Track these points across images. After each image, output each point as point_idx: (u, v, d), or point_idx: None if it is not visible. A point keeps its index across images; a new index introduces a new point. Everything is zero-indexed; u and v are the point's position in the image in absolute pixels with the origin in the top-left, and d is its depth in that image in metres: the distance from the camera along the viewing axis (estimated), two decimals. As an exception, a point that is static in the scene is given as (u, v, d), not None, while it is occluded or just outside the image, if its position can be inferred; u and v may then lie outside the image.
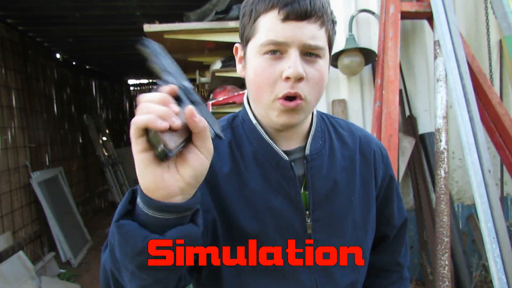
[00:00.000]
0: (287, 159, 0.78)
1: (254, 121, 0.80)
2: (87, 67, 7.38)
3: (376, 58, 2.30)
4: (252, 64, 0.73)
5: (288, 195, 0.77)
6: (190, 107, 0.51)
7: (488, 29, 2.43)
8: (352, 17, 2.35)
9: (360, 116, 2.46)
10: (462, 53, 2.04)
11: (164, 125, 0.49)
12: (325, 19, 0.70)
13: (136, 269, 0.56)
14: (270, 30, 0.69)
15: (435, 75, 2.12)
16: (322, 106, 2.43)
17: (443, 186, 2.02)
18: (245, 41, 0.76)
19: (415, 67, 2.52)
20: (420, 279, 2.53)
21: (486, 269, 2.39)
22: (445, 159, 2.02)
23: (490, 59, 2.46)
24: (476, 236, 2.46)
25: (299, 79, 0.68)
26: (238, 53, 0.81)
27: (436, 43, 2.13)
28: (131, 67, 7.90)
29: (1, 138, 3.99)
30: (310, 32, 0.68)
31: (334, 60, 2.34)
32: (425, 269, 2.42)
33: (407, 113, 2.50)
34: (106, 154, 7.09)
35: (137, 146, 0.53)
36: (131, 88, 10.02)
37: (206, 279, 0.79)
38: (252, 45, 0.73)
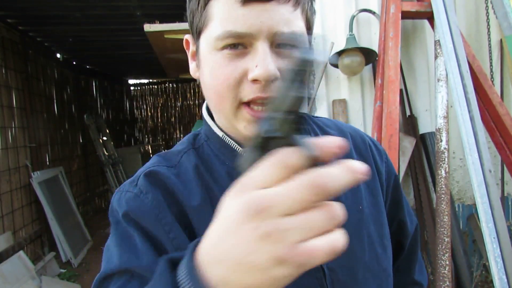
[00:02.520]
0: None
1: (221, 134, 0.63)
2: (88, 66, 7.38)
3: (377, 58, 2.30)
4: (207, 63, 0.57)
5: None
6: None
7: (488, 29, 2.43)
8: (353, 17, 2.35)
9: (360, 116, 2.46)
10: (462, 53, 2.03)
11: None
12: None
13: None
14: (226, 18, 0.53)
15: (436, 74, 2.12)
16: (323, 106, 2.43)
17: (443, 186, 2.01)
18: (195, 33, 0.60)
19: (415, 67, 2.51)
20: (420, 279, 2.53)
21: (486, 269, 2.39)
22: (446, 159, 2.02)
23: (490, 58, 2.45)
24: (476, 236, 2.46)
25: (272, 80, 0.52)
26: (190, 47, 0.66)
27: (437, 43, 2.12)
28: (131, 67, 7.90)
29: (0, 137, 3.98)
30: (281, 16, 0.52)
31: (335, 60, 2.34)
32: (425, 269, 2.42)
33: (408, 113, 2.50)
34: (107, 154, 7.09)
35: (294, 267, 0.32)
36: (132, 88, 10.03)
37: None
38: (206, 38, 0.57)
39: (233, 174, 0.60)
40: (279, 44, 0.54)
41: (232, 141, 0.62)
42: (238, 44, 0.54)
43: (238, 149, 0.61)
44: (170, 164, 0.63)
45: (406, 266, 0.83)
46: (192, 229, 0.58)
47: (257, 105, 0.55)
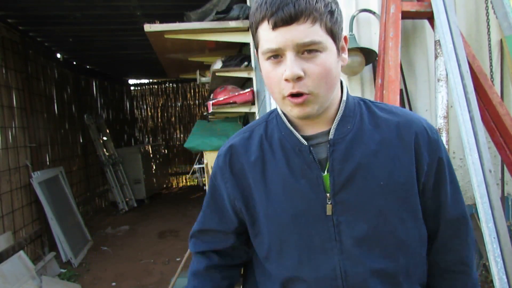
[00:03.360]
0: (306, 143, 0.83)
1: (280, 112, 0.89)
2: (88, 67, 7.38)
3: (377, 58, 2.30)
4: (262, 68, 0.81)
5: (310, 178, 0.82)
6: None
7: (488, 29, 2.43)
8: (353, 17, 2.35)
9: (360, 116, 2.46)
10: (462, 53, 2.03)
11: None
12: (316, 15, 0.73)
13: None
14: (266, 39, 0.75)
15: (436, 74, 2.12)
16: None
17: (443, 186, 2.01)
18: (255, 48, 0.84)
19: (415, 67, 2.51)
20: (420, 279, 2.53)
21: (486, 269, 2.39)
22: (446, 159, 2.02)
23: (490, 58, 2.45)
24: (476, 236, 2.46)
25: (298, 78, 0.73)
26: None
27: (437, 43, 2.12)
28: (131, 67, 7.91)
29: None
30: (301, 33, 0.72)
31: (335, 60, 2.34)
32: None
33: (408, 113, 2.50)
34: (107, 154, 7.09)
35: None
36: (132, 88, 10.02)
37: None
38: (259, 52, 0.80)
39: (283, 141, 0.86)
40: (304, 51, 0.74)
41: (284, 117, 0.87)
42: (277, 55, 0.76)
43: (287, 122, 0.86)
44: (245, 135, 0.93)
45: (451, 247, 0.92)
46: (247, 177, 0.88)
47: (294, 97, 0.76)
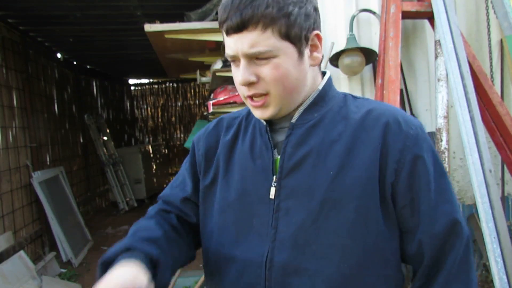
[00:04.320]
0: (264, 123, 0.84)
1: None
2: (88, 66, 7.39)
3: (377, 58, 2.30)
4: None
5: (264, 159, 0.82)
6: None
7: (489, 29, 2.43)
8: (353, 17, 2.35)
9: (360, 115, 2.46)
10: (463, 53, 2.03)
11: None
12: (266, 21, 0.71)
13: None
14: (226, 44, 0.78)
15: (436, 74, 2.12)
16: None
17: (444, 186, 2.01)
18: None
19: (416, 66, 2.51)
20: (420, 279, 2.53)
21: (487, 268, 2.39)
22: (446, 159, 2.02)
23: (491, 58, 2.45)
24: (477, 236, 2.46)
25: (250, 83, 0.75)
26: None
27: (437, 43, 2.12)
28: (132, 67, 7.91)
29: None
30: (250, 41, 0.72)
31: (335, 59, 2.34)
32: None
33: (408, 113, 2.50)
34: (107, 153, 7.09)
35: None
36: (132, 87, 10.03)
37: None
38: None
39: (256, 121, 0.86)
40: (257, 58, 0.74)
41: None
42: (235, 60, 0.77)
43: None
44: (235, 113, 0.95)
45: (424, 273, 0.77)
46: (216, 153, 0.90)
47: (254, 100, 0.78)
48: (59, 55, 6.07)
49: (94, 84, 7.74)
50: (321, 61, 0.84)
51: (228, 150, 0.88)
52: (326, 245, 0.74)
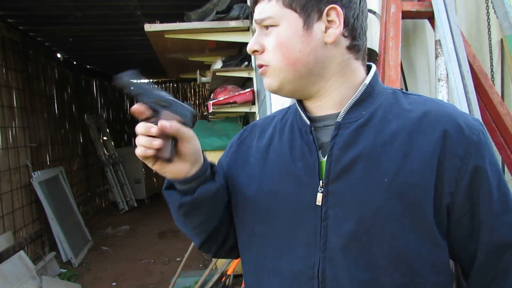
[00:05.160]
0: (308, 123, 0.77)
1: None
2: (88, 66, 7.39)
3: (377, 58, 2.30)
4: None
5: (307, 162, 0.75)
6: (159, 126, 0.68)
7: (489, 29, 2.42)
8: (353, 17, 2.35)
9: (361, 115, 2.46)
10: (463, 53, 2.03)
11: (150, 152, 0.69)
12: None
13: (183, 216, 0.78)
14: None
15: (436, 74, 2.12)
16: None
17: (444, 186, 2.01)
18: None
19: (416, 66, 2.51)
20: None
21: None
22: (446, 159, 2.02)
23: (491, 58, 2.45)
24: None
25: (255, 51, 0.77)
26: None
27: (437, 43, 2.12)
28: (132, 67, 7.85)
29: None
30: (259, 9, 0.76)
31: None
32: None
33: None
34: (107, 153, 7.09)
35: (149, 164, 0.73)
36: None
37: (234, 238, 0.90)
38: None
39: (293, 123, 0.82)
40: (265, 27, 0.76)
41: (298, 102, 0.83)
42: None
43: (295, 101, 0.84)
44: (269, 116, 0.93)
45: (478, 277, 0.74)
46: (249, 157, 0.87)
47: (259, 68, 0.78)
48: (59, 55, 6.07)
49: (94, 84, 7.74)
50: (356, 46, 0.76)
51: (263, 155, 0.83)
52: (379, 254, 0.69)
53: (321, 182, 0.73)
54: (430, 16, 2.25)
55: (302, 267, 0.73)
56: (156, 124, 0.68)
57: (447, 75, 2.07)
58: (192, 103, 10.00)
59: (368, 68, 0.80)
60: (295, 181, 0.75)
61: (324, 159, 0.74)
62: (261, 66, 0.78)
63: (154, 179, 8.08)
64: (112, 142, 7.33)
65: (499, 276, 0.72)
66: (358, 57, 0.77)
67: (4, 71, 4.21)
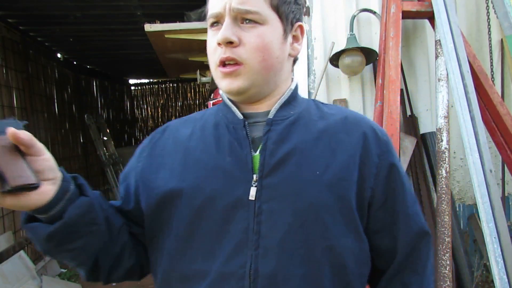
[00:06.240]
0: (241, 117, 0.76)
1: (221, 92, 0.81)
2: (88, 66, 7.38)
3: (377, 58, 2.30)
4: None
5: (238, 156, 0.73)
6: (9, 134, 0.57)
7: (489, 29, 2.42)
8: (353, 17, 2.35)
9: (361, 115, 2.46)
10: (463, 53, 2.03)
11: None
12: None
13: (55, 248, 0.66)
14: (210, 4, 0.74)
15: (437, 74, 2.12)
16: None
17: (444, 186, 2.01)
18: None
19: (416, 66, 2.51)
20: (421, 279, 2.53)
21: (487, 269, 2.39)
22: (447, 159, 2.02)
23: (491, 58, 2.45)
24: (477, 236, 2.46)
25: (229, 43, 0.70)
26: None
27: (438, 43, 2.12)
28: (132, 67, 7.91)
29: None
30: None
31: (335, 59, 2.34)
32: None
33: (408, 113, 2.50)
34: (107, 153, 7.09)
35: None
36: (132, 87, 10.03)
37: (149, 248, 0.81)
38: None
39: (218, 119, 0.79)
40: (245, 20, 0.70)
41: (225, 96, 0.80)
42: (217, 22, 0.73)
43: (225, 97, 0.80)
44: (183, 118, 0.88)
45: (408, 268, 0.80)
46: (164, 158, 0.80)
47: (226, 66, 0.72)
48: (59, 55, 6.07)
49: (94, 84, 7.74)
50: (296, 59, 0.83)
51: (183, 154, 0.77)
52: (313, 247, 0.70)
53: (254, 176, 0.71)
54: (430, 16, 2.25)
55: (233, 267, 0.69)
56: None
57: (447, 75, 2.07)
58: (192, 103, 10.01)
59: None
60: (224, 177, 0.72)
61: (256, 154, 0.73)
62: (231, 60, 0.70)
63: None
64: (112, 142, 7.32)
65: (414, 262, 0.80)
66: (293, 69, 0.83)
67: (4, 71, 4.21)
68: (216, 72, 0.74)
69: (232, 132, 0.75)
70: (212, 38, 0.74)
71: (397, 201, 0.78)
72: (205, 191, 0.72)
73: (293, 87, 0.81)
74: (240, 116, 0.76)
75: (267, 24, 0.71)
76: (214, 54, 0.73)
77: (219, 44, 0.70)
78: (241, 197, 0.70)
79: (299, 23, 0.78)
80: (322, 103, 0.85)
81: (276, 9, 0.72)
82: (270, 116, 0.76)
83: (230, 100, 0.79)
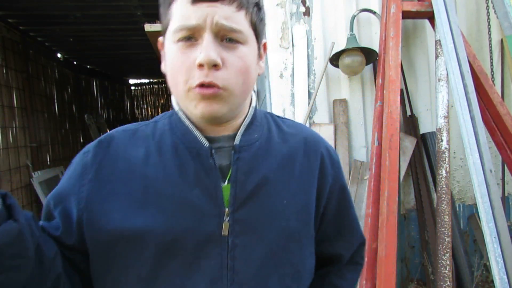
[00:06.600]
0: (207, 145, 0.67)
1: (177, 108, 0.72)
2: (88, 66, 7.38)
3: (377, 58, 2.30)
4: (168, 54, 0.67)
5: (206, 187, 0.66)
6: None
7: (489, 29, 2.43)
8: (353, 17, 2.35)
9: (361, 115, 2.46)
10: (463, 53, 2.03)
11: None
12: (244, 1, 0.63)
13: None
14: (182, 15, 0.62)
15: (437, 74, 2.12)
16: (323, 106, 2.43)
17: (444, 186, 2.01)
18: (164, 32, 0.70)
19: (416, 66, 2.51)
20: (421, 279, 2.53)
21: (487, 269, 2.39)
22: (447, 159, 2.02)
23: (491, 58, 2.45)
24: (477, 236, 2.46)
25: (214, 66, 0.60)
26: (163, 47, 0.73)
27: (438, 43, 2.12)
28: (132, 67, 7.91)
29: None
30: (224, 13, 0.61)
31: (335, 59, 2.34)
32: (426, 269, 2.42)
33: (408, 113, 2.50)
34: (107, 153, 7.09)
35: None
36: (132, 87, 10.03)
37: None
38: (168, 34, 0.67)
39: (176, 142, 0.69)
40: (224, 38, 0.62)
41: (183, 115, 0.70)
42: (191, 37, 0.62)
43: (185, 120, 0.70)
44: (129, 131, 0.74)
45: (345, 274, 0.88)
46: (117, 186, 0.68)
47: (205, 88, 0.61)
48: (59, 55, 6.07)
49: (94, 84, 7.74)
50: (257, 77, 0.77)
51: (141, 182, 0.66)
52: (284, 275, 0.70)
53: (226, 210, 0.66)
54: (430, 16, 2.25)
55: None
56: None
57: (447, 75, 2.07)
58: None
59: None
60: (193, 212, 0.65)
61: (225, 184, 0.67)
62: (212, 86, 0.61)
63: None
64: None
65: (353, 263, 0.89)
66: None
67: (4, 71, 4.21)
68: (189, 94, 0.63)
69: (196, 160, 0.67)
70: (184, 56, 0.62)
71: (345, 216, 0.84)
72: (173, 230, 0.64)
73: (254, 105, 0.76)
74: (206, 142, 0.68)
75: (247, 44, 0.64)
76: (187, 73, 0.62)
77: (200, 65, 0.60)
78: (212, 233, 0.65)
79: (265, 40, 0.74)
80: (279, 117, 0.82)
81: (254, 27, 0.66)
82: (236, 141, 0.70)
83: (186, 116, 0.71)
